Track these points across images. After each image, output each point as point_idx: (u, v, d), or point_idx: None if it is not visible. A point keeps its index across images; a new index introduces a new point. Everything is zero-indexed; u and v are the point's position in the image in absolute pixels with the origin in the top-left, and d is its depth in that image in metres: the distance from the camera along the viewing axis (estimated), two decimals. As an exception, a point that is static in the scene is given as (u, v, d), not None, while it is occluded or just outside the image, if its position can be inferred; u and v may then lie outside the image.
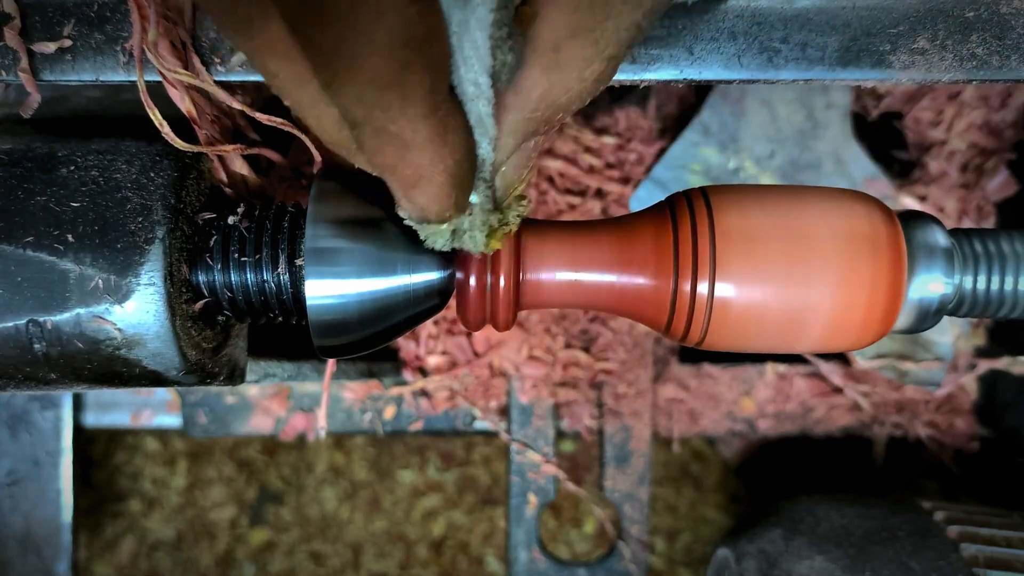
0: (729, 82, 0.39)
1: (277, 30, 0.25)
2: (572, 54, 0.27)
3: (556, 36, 0.27)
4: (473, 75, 0.27)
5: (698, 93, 0.81)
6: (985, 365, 0.82)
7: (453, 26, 0.26)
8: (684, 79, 0.39)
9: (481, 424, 0.83)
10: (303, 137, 0.41)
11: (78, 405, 0.85)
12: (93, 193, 0.36)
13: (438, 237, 0.34)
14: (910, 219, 0.38)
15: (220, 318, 0.41)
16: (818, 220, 0.35)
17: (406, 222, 0.34)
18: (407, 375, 0.80)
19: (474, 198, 0.32)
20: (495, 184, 0.32)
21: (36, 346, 0.36)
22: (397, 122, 0.26)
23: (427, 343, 0.80)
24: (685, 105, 0.82)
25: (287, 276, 0.38)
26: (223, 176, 0.44)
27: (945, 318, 0.43)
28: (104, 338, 0.36)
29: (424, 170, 0.28)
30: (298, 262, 0.38)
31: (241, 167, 0.44)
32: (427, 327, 0.80)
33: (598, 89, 0.29)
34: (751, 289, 0.35)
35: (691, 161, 0.79)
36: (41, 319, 0.35)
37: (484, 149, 0.30)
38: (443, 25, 0.25)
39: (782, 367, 0.85)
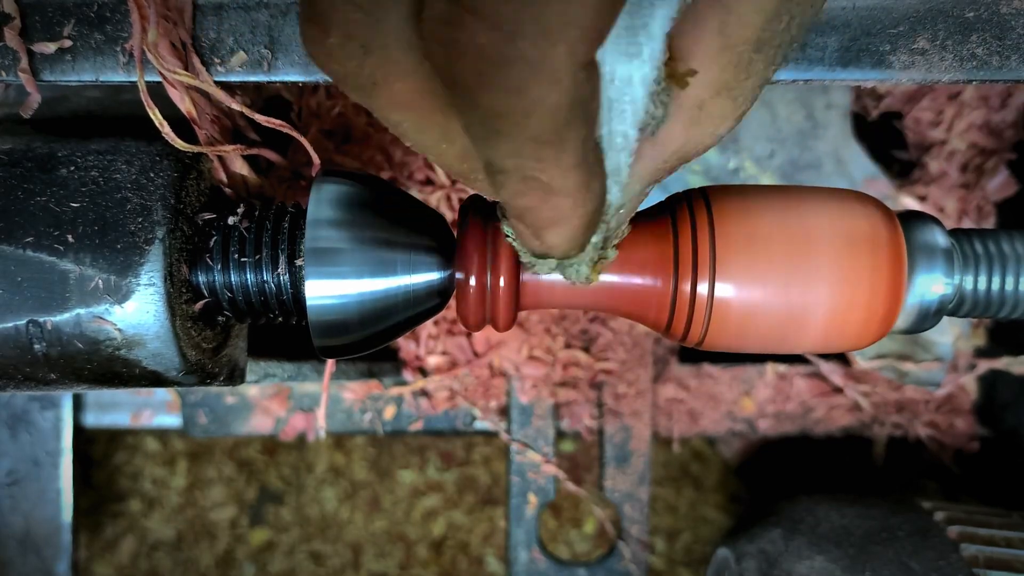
0: (729, 82, 0.39)
1: (402, 89, 0.25)
2: (713, 112, 0.28)
3: (701, 95, 0.27)
4: (624, 127, 0.28)
5: (698, 93, 0.81)
6: (985, 365, 0.82)
7: (616, 81, 0.26)
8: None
9: (481, 424, 0.83)
10: (302, 139, 0.41)
11: (78, 405, 0.85)
12: (93, 193, 0.36)
13: (543, 268, 0.35)
14: (910, 219, 0.38)
15: (220, 318, 0.41)
16: (818, 220, 0.35)
17: (522, 258, 0.35)
18: (407, 375, 0.80)
19: (594, 238, 0.33)
20: (611, 224, 0.33)
21: (36, 346, 0.36)
22: (548, 172, 0.26)
23: (427, 343, 0.80)
24: (685, 105, 0.82)
25: (287, 276, 0.38)
26: (223, 176, 0.44)
27: (945, 318, 0.43)
28: (104, 338, 0.36)
29: (564, 213, 0.28)
30: (298, 262, 0.38)
31: (241, 167, 0.44)
32: (427, 327, 0.80)
33: (721, 140, 0.30)
34: (751, 289, 0.35)
35: (691, 161, 0.79)
36: (41, 319, 0.35)
37: (614, 195, 0.31)
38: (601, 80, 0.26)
39: (782, 367, 0.85)
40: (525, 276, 0.37)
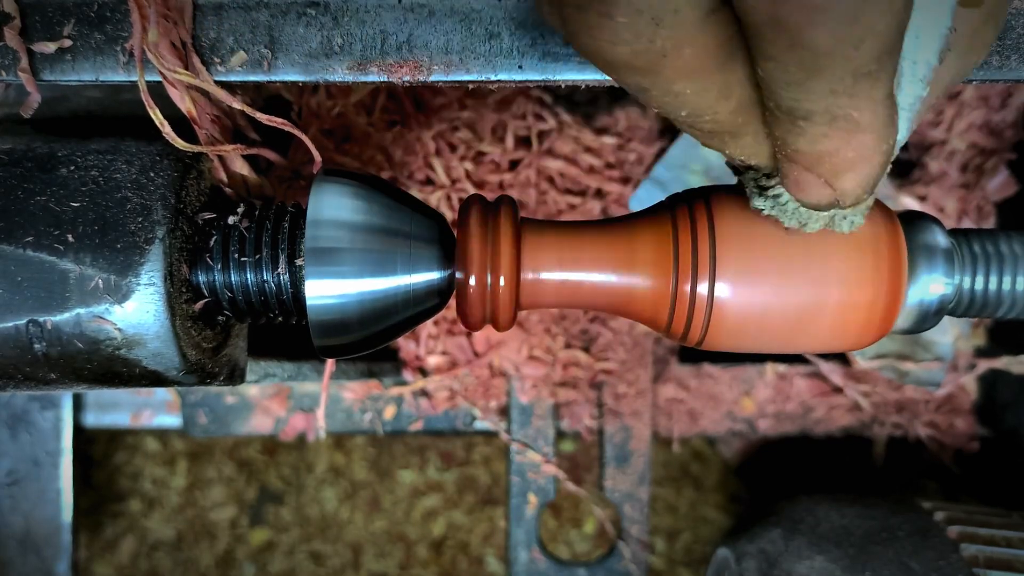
0: (729, 82, 0.39)
1: (690, 54, 0.25)
2: (983, 39, 0.28)
3: (975, 20, 0.27)
4: (928, 55, 0.27)
5: (698, 93, 0.81)
6: (985, 365, 0.82)
7: (925, 4, 0.25)
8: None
9: (481, 424, 0.83)
10: (304, 137, 0.41)
11: (78, 405, 0.85)
12: (93, 193, 0.36)
13: (814, 225, 0.33)
14: (910, 219, 0.38)
15: (220, 318, 0.41)
16: (818, 220, 0.35)
17: (787, 222, 0.33)
18: (407, 375, 0.80)
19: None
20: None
21: (36, 346, 0.36)
22: (860, 107, 0.26)
23: (427, 343, 0.80)
24: (685, 105, 0.82)
25: (287, 276, 0.38)
26: (223, 176, 0.44)
27: (945, 318, 0.43)
28: (104, 338, 0.36)
29: (866, 152, 0.28)
30: (298, 262, 0.38)
31: (241, 167, 0.44)
32: (427, 327, 0.80)
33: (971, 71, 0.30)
34: (751, 289, 0.35)
35: (691, 161, 0.79)
36: (41, 319, 0.35)
37: (902, 132, 0.29)
38: None
39: (782, 367, 0.85)
40: (525, 276, 0.37)
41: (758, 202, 0.33)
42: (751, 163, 0.32)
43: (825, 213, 0.32)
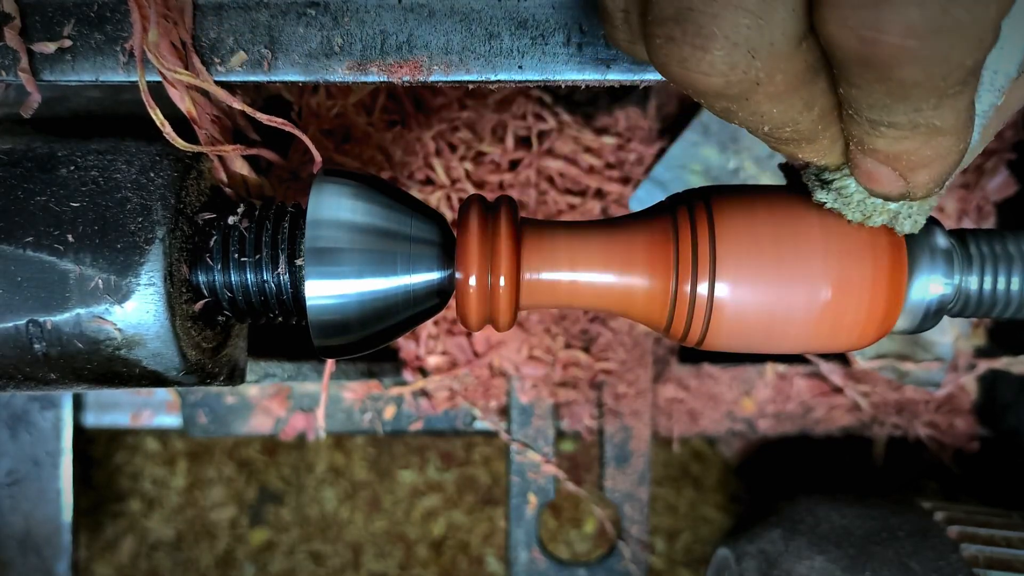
0: (729, 82, 0.39)
1: (782, 80, 0.26)
2: None
3: None
4: (1009, 67, 0.27)
5: (698, 93, 0.81)
6: (985, 365, 0.82)
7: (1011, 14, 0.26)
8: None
9: (481, 424, 0.83)
10: (304, 137, 0.41)
11: (78, 405, 0.85)
12: (93, 193, 0.36)
13: (881, 216, 0.34)
14: (910, 219, 0.38)
15: (220, 318, 0.41)
16: (818, 220, 0.35)
17: (850, 215, 0.34)
18: (407, 375, 0.81)
19: None
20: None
21: (36, 346, 0.36)
22: (943, 116, 0.26)
23: (427, 343, 0.80)
24: (685, 105, 0.82)
25: (287, 276, 0.38)
26: (223, 176, 0.44)
27: (945, 318, 0.43)
28: (104, 338, 0.36)
29: (942, 152, 0.29)
30: (298, 262, 0.38)
31: (241, 167, 0.44)
32: (427, 327, 0.80)
33: None
34: (751, 289, 0.35)
35: (691, 161, 0.79)
36: (41, 319, 0.35)
37: (976, 137, 0.30)
38: None
39: (782, 367, 0.85)
40: (525, 276, 0.37)
41: (821, 195, 0.34)
42: (821, 163, 0.32)
43: (892, 207, 0.33)
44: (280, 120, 0.41)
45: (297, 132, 0.41)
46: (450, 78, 0.38)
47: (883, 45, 0.22)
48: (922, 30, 0.22)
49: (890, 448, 0.92)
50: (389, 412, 0.83)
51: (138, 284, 0.36)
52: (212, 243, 0.39)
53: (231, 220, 0.39)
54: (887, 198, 0.32)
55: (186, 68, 0.38)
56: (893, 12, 0.22)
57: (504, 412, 0.83)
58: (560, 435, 0.84)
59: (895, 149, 0.28)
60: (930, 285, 0.37)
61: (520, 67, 0.38)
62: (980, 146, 0.32)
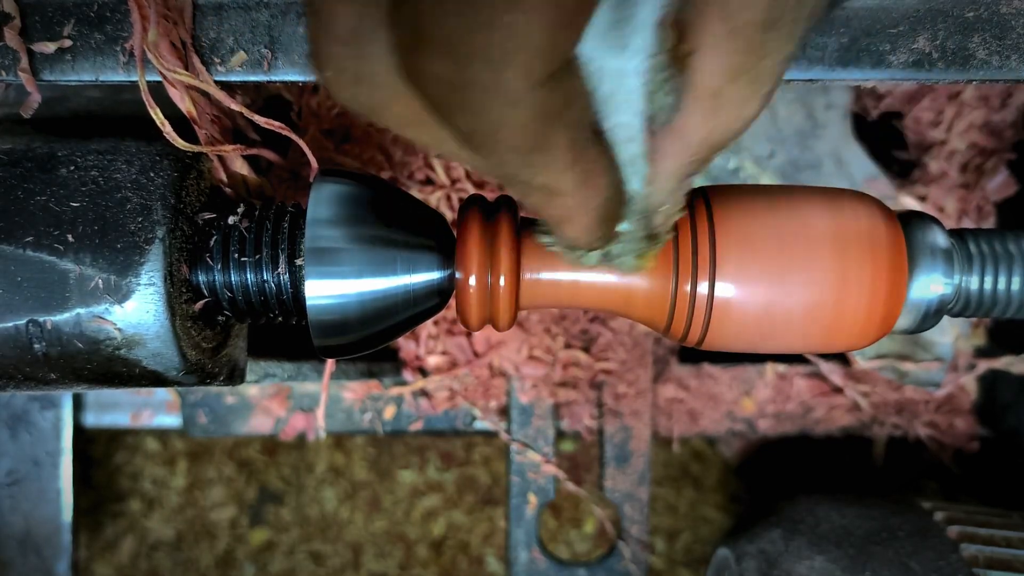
0: (729, 82, 0.39)
1: (401, 111, 0.26)
2: (732, 97, 0.27)
3: (716, 82, 0.27)
4: (627, 119, 0.28)
5: (698, 93, 0.81)
6: (985, 365, 0.82)
7: (607, 74, 0.26)
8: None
9: (481, 424, 0.83)
10: (300, 142, 0.41)
11: (78, 405, 0.85)
12: (93, 193, 0.36)
13: (589, 259, 0.35)
14: (910, 219, 0.38)
15: (220, 318, 0.41)
16: (818, 220, 0.35)
17: (566, 255, 0.35)
18: (407, 375, 0.81)
19: (625, 226, 0.33)
20: (654, 220, 0.33)
21: (36, 346, 0.36)
22: (541, 176, 0.27)
23: (427, 343, 0.80)
24: (685, 105, 0.82)
25: (287, 276, 0.38)
26: (223, 176, 0.44)
27: (945, 318, 0.43)
28: (104, 338, 0.36)
29: (571, 211, 0.29)
30: (298, 262, 0.38)
31: (241, 167, 0.44)
32: (427, 327, 0.80)
33: (751, 123, 0.30)
34: (751, 289, 0.35)
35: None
36: (41, 319, 0.35)
37: (636, 185, 0.31)
38: (579, 87, 0.26)
39: (782, 367, 0.85)
40: (525, 276, 0.37)
41: (543, 238, 0.35)
42: None
43: (592, 259, 0.34)
44: (277, 124, 0.41)
45: (293, 136, 0.41)
46: (450, 78, 0.38)
47: (426, 89, 0.23)
48: (448, 80, 0.22)
49: (890, 448, 0.92)
50: (389, 412, 0.83)
51: (138, 284, 0.36)
52: (212, 243, 0.39)
53: (231, 220, 0.39)
54: (567, 247, 0.34)
55: (186, 68, 0.38)
56: (424, 59, 0.22)
57: (504, 412, 0.83)
58: (560, 435, 0.84)
59: (527, 203, 0.29)
60: (930, 285, 0.37)
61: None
62: (678, 193, 0.32)
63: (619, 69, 0.26)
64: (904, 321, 0.38)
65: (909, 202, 0.80)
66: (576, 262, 0.35)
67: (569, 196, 0.28)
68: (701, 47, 0.26)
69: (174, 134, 0.38)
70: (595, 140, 0.28)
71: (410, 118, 0.27)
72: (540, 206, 0.29)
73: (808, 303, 0.35)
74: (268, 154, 0.45)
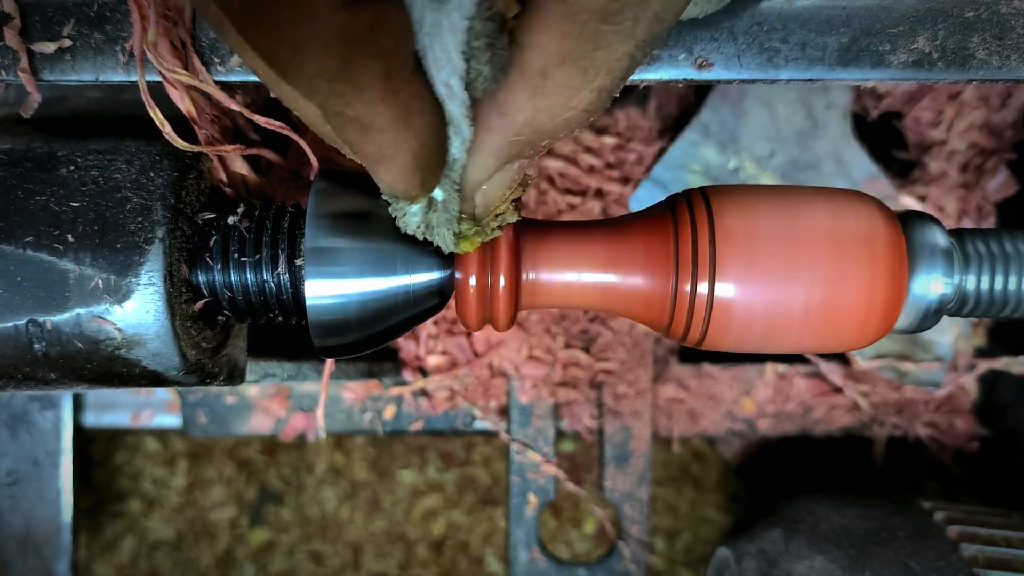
0: (729, 82, 0.39)
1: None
2: (559, 82, 0.27)
3: (544, 62, 0.26)
4: (444, 76, 0.27)
5: (698, 93, 0.81)
6: (985, 365, 0.82)
7: (425, 27, 0.26)
8: (684, 79, 0.39)
9: (481, 424, 0.83)
10: (300, 141, 0.41)
11: (78, 405, 0.85)
12: (93, 193, 0.36)
13: (410, 219, 0.34)
14: (910, 219, 0.38)
15: (220, 318, 0.41)
16: (818, 220, 0.35)
17: (386, 203, 0.34)
18: (407, 375, 0.80)
19: (438, 194, 0.32)
20: (474, 200, 0.32)
21: (36, 346, 0.36)
22: (353, 107, 0.26)
23: (427, 343, 0.80)
24: (685, 105, 0.82)
25: (287, 276, 0.38)
26: (223, 176, 0.44)
27: (945, 318, 0.43)
28: (104, 338, 0.36)
29: (387, 149, 0.28)
30: (298, 262, 0.38)
31: (241, 167, 0.44)
32: (427, 327, 0.80)
33: (588, 119, 0.29)
34: (751, 289, 0.35)
35: (691, 161, 0.79)
36: (41, 319, 0.35)
37: (456, 148, 0.30)
38: (394, 18, 0.25)
39: (782, 367, 0.85)
40: (525, 276, 0.37)
41: (386, 203, 0.35)
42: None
43: (414, 208, 0.33)
44: (278, 124, 0.41)
45: (294, 136, 0.41)
46: (450, 78, 0.38)
47: (211, 15, 0.22)
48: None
49: (890, 448, 0.92)
50: (389, 412, 0.83)
51: (138, 284, 0.36)
52: (212, 243, 0.39)
53: (231, 220, 0.39)
54: (388, 195, 0.33)
55: (186, 68, 0.38)
56: None
57: (504, 412, 0.83)
58: (560, 435, 0.84)
59: (344, 138, 0.27)
60: (930, 285, 0.37)
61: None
62: (502, 178, 0.31)
63: (436, 23, 0.25)
64: (904, 321, 0.38)
65: (909, 202, 0.80)
66: (400, 222, 0.34)
67: (384, 132, 0.27)
68: (533, 23, 0.26)
69: (173, 134, 0.38)
70: (418, 77, 0.27)
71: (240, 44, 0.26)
72: (356, 143, 0.27)
73: (808, 303, 0.35)
74: (268, 154, 0.45)
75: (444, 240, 0.34)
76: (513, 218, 0.35)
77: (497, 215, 0.34)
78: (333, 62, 0.24)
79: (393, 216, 0.35)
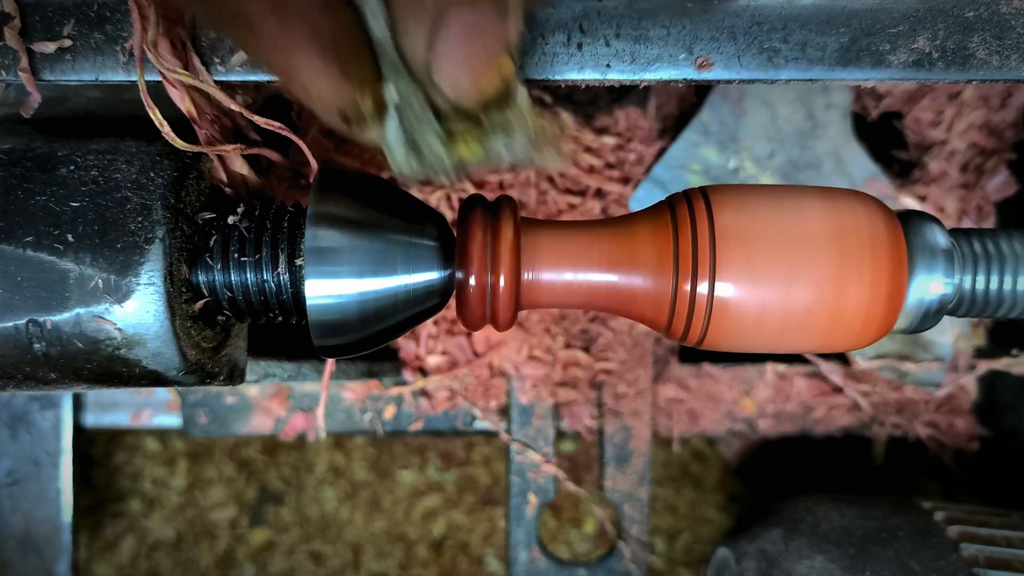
0: (729, 82, 0.39)
1: None
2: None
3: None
4: None
5: (698, 93, 0.81)
6: (985, 365, 0.82)
7: None
8: (684, 79, 0.39)
9: (481, 424, 0.83)
10: (299, 142, 0.41)
11: (78, 405, 0.85)
12: (93, 193, 0.36)
13: (394, 147, 0.30)
14: (910, 219, 0.38)
15: (220, 318, 0.41)
16: (818, 220, 0.35)
17: (392, 167, 0.32)
18: (407, 375, 0.80)
19: (392, 94, 0.28)
20: (438, 85, 0.28)
21: (36, 346, 0.36)
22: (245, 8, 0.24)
23: (427, 343, 0.80)
24: (685, 105, 0.82)
25: (287, 276, 0.38)
26: (223, 176, 0.44)
27: (945, 318, 0.43)
28: (104, 338, 0.36)
29: (281, 43, 0.26)
30: (298, 262, 0.38)
31: (241, 167, 0.44)
32: (427, 327, 0.80)
33: None
34: (751, 289, 0.35)
35: (691, 161, 0.79)
36: (41, 319, 0.35)
37: (377, 28, 0.26)
38: None
39: (782, 367, 0.85)
40: (525, 276, 0.37)
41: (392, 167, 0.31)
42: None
43: (396, 144, 0.29)
44: (278, 124, 0.41)
45: (293, 136, 0.41)
46: (450, 78, 0.38)
47: None
48: None
49: (890, 448, 0.92)
50: (389, 412, 0.83)
51: (138, 284, 0.36)
52: (212, 243, 0.39)
53: (231, 220, 0.39)
54: (337, 125, 0.29)
55: (186, 68, 0.38)
56: None
57: (504, 412, 0.83)
58: (560, 435, 0.84)
59: (248, 54, 0.27)
60: (930, 285, 0.37)
61: (520, 67, 0.38)
62: (455, 50, 0.26)
63: None
64: (904, 321, 0.38)
65: (909, 202, 0.80)
66: (394, 166, 0.31)
67: (265, 23, 0.25)
68: None
69: (173, 134, 0.38)
70: None
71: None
72: (258, 53, 0.26)
73: (808, 303, 0.35)
74: (268, 154, 0.45)
75: (431, 148, 0.30)
76: (553, 157, 0.30)
77: (500, 109, 0.29)
78: None
79: (394, 171, 0.31)
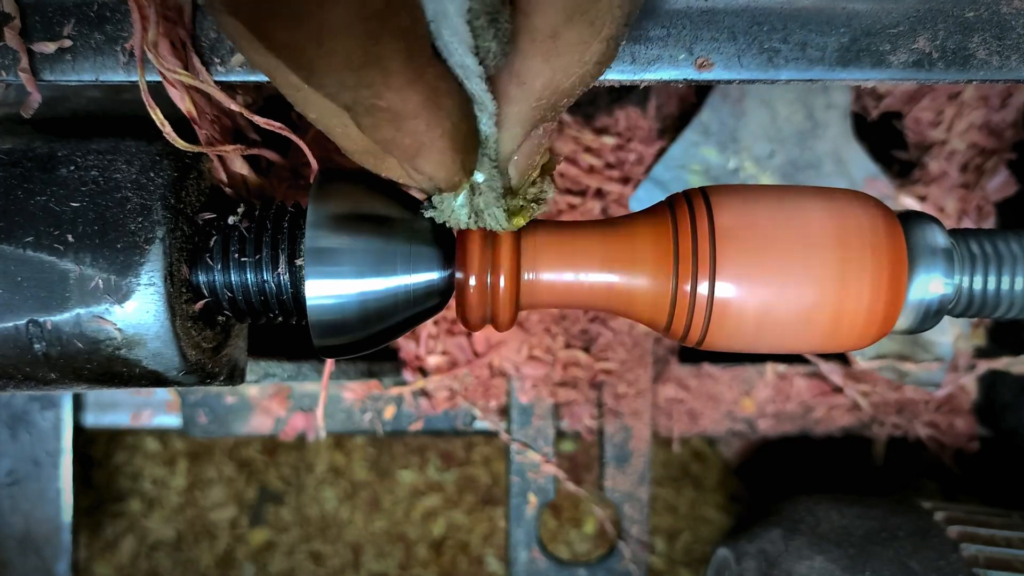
0: (729, 82, 0.39)
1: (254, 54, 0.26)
2: (570, 39, 0.27)
3: (552, 23, 0.27)
4: (458, 58, 0.27)
5: (698, 93, 0.81)
6: (985, 365, 0.82)
7: (429, 14, 0.26)
8: (684, 79, 0.39)
9: (481, 424, 0.83)
10: (299, 142, 0.41)
11: (78, 405, 0.85)
12: (93, 193, 0.36)
13: (459, 213, 0.34)
14: (910, 219, 0.38)
15: (220, 318, 0.41)
16: (818, 220, 0.35)
17: (426, 214, 0.35)
18: (407, 375, 0.80)
19: (479, 176, 0.33)
20: (508, 172, 0.33)
21: (36, 346, 0.36)
22: (384, 96, 0.26)
23: (427, 343, 0.80)
24: (685, 105, 0.82)
25: (287, 276, 0.38)
26: (223, 176, 0.44)
27: (945, 318, 0.43)
28: (104, 338, 0.36)
29: (423, 136, 0.28)
30: (298, 262, 0.38)
31: (241, 167, 0.44)
32: (427, 327, 0.80)
33: (601, 71, 0.29)
34: (751, 289, 0.35)
35: (691, 161, 0.79)
36: (41, 319, 0.35)
37: (485, 125, 0.30)
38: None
39: (782, 367, 0.85)
40: (525, 276, 0.37)
41: (428, 212, 0.36)
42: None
43: (459, 201, 0.34)
44: (278, 124, 0.41)
45: (293, 136, 0.41)
46: (450, 78, 0.38)
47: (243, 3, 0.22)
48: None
49: (890, 448, 0.92)
50: (389, 412, 0.83)
51: (138, 284, 0.36)
52: (212, 243, 0.39)
53: (231, 220, 0.39)
54: (428, 192, 0.33)
55: (186, 68, 0.38)
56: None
57: (504, 412, 0.83)
58: (560, 435, 0.84)
59: (379, 139, 0.28)
60: (930, 285, 0.37)
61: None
62: (531, 146, 0.31)
63: (442, 8, 0.26)
64: (904, 321, 0.38)
65: (909, 202, 0.80)
66: (450, 221, 0.35)
67: (417, 118, 0.27)
68: None
69: (174, 134, 0.38)
70: (438, 60, 0.27)
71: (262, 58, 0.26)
72: (391, 137, 0.28)
73: (808, 303, 0.35)
74: (268, 154, 0.45)
75: (497, 220, 0.35)
76: (551, 191, 0.35)
77: (533, 184, 0.35)
78: (358, 45, 0.24)
79: (438, 220, 0.35)
